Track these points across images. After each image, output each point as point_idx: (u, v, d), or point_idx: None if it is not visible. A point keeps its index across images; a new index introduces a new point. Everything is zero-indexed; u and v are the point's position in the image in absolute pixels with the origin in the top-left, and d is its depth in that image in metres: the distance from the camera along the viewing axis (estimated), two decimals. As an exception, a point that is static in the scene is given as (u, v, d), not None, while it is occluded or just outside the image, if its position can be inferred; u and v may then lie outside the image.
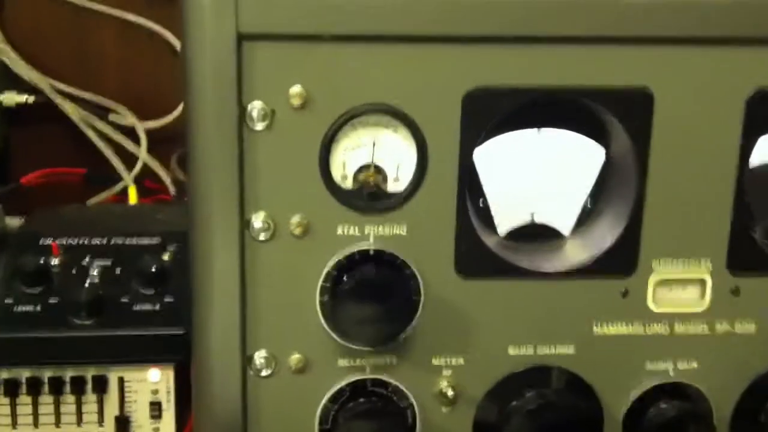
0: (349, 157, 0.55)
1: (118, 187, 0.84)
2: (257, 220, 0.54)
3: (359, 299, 0.52)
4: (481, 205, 0.57)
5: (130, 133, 0.86)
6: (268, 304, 0.55)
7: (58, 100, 0.84)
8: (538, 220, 0.58)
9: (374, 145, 0.55)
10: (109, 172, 0.86)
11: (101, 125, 0.86)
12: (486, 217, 0.57)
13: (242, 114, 0.53)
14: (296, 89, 0.53)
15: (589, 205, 0.57)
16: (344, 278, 0.53)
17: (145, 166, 0.86)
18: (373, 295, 0.51)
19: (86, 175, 0.85)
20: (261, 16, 0.50)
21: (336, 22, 0.50)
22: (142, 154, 0.86)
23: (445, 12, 0.50)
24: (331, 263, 0.54)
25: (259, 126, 0.53)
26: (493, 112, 0.53)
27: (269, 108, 0.53)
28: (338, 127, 0.54)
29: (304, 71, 0.51)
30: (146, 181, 0.86)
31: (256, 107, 0.53)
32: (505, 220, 0.58)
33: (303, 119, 0.53)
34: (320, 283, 0.54)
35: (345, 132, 0.54)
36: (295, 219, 0.55)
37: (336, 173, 0.55)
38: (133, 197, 0.81)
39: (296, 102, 0.53)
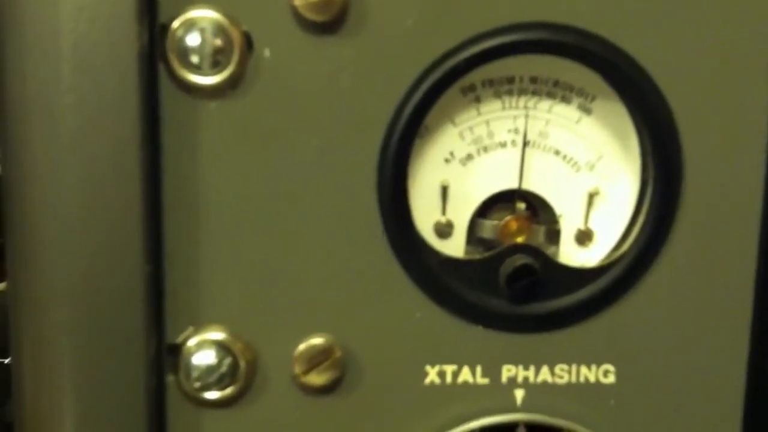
0: (459, 176, 0.31)
1: None
2: (200, 349, 0.30)
3: None
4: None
5: None
6: None
7: None
8: None
9: (525, 144, 0.30)
10: None
11: None
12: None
13: (156, 45, 0.28)
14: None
15: None
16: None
17: None
18: None
19: None
20: None
21: None
22: None
23: None
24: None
25: (209, 79, 0.28)
26: None
27: (233, 28, 0.28)
28: (432, 91, 0.29)
29: None
30: None
31: (198, 27, 0.28)
32: None
33: (328, 54, 0.29)
34: None
35: (448, 107, 0.30)
36: (308, 344, 0.31)
37: (425, 216, 0.31)
38: None
39: None
